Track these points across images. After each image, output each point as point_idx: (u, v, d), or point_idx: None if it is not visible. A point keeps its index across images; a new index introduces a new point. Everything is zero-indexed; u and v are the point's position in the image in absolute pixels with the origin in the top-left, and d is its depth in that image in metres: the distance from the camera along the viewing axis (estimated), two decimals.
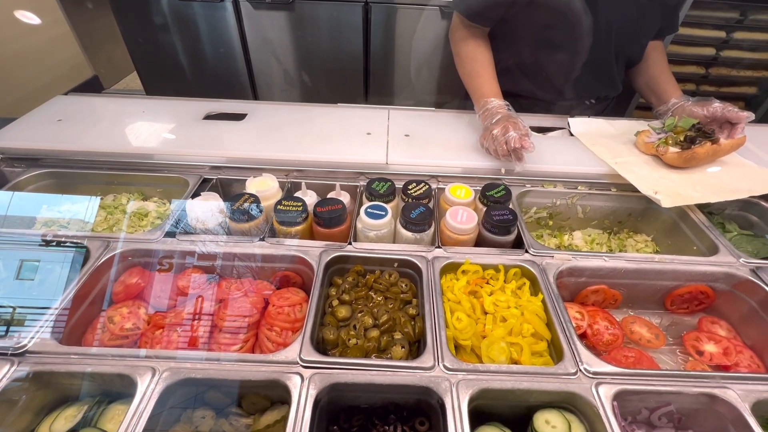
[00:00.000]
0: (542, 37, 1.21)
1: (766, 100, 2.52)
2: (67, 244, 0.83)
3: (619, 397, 0.62)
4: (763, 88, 2.49)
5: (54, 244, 0.84)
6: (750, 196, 0.99)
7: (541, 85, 1.29)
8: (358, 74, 2.91)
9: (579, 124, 1.24)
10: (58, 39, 3.47)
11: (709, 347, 0.81)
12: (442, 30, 2.62)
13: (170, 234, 0.87)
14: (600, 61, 1.21)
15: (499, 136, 1.02)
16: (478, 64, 1.20)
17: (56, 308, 0.70)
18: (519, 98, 1.31)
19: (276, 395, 0.67)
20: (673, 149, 1.04)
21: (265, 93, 3.10)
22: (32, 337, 0.66)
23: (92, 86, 3.83)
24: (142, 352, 0.66)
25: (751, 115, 1.04)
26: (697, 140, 1.03)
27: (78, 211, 1.00)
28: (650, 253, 1.05)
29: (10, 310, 0.71)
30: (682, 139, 1.05)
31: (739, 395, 0.62)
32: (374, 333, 0.73)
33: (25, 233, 0.86)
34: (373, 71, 2.89)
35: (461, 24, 1.22)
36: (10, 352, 0.64)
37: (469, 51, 1.22)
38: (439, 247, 0.87)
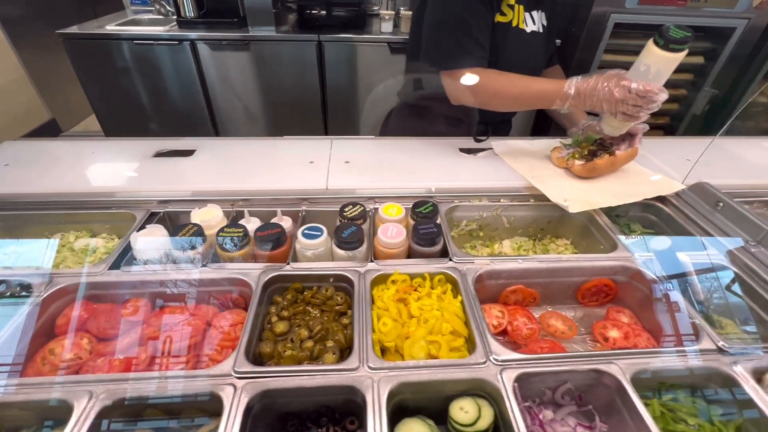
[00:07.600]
0: None
1: (686, 115, 2.82)
2: (8, 283, 0.86)
3: (520, 380, 0.70)
4: (684, 104, 2.79)
5: None
6: (645, 199, 1.13)
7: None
8: (317, 107, 3.04)
9: (501, 145, 1.38)
10: (14, 83, 3.47)
11: (613, 333, 0.91)
12: (393, 64, 2.80)
13: (115, 266, 0.91)
14: None
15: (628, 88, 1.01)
16: (515, 78, 1.19)
17: None
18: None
19: (213, 409, 0.71)
20: (579, 162, 1.19)
21: (226, 129, 3.17)
22: None
23: (50, 129, 3.81)
24: (79, 377, 0.69)
25: (646, 127, 1.20)
26: (597, 153, 1.18)
27: (23, 252, 1.02)
28: (569, 254, 1.17)
29: None
30: (586, 153, 1.20)
31: (621, 368, 0.71)
32: (309, 343, 0.79)
33: None
34: (330, 104, 3.03)
35: (456, 83, 1.21)
36: None
37: (493, 79, 1.19)
38: (372, 261, 0.95)
